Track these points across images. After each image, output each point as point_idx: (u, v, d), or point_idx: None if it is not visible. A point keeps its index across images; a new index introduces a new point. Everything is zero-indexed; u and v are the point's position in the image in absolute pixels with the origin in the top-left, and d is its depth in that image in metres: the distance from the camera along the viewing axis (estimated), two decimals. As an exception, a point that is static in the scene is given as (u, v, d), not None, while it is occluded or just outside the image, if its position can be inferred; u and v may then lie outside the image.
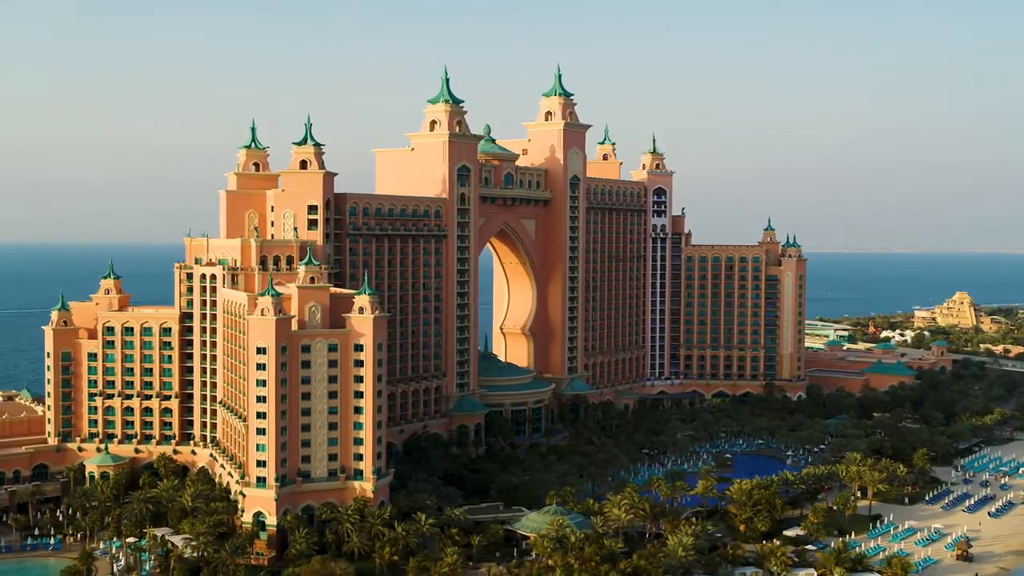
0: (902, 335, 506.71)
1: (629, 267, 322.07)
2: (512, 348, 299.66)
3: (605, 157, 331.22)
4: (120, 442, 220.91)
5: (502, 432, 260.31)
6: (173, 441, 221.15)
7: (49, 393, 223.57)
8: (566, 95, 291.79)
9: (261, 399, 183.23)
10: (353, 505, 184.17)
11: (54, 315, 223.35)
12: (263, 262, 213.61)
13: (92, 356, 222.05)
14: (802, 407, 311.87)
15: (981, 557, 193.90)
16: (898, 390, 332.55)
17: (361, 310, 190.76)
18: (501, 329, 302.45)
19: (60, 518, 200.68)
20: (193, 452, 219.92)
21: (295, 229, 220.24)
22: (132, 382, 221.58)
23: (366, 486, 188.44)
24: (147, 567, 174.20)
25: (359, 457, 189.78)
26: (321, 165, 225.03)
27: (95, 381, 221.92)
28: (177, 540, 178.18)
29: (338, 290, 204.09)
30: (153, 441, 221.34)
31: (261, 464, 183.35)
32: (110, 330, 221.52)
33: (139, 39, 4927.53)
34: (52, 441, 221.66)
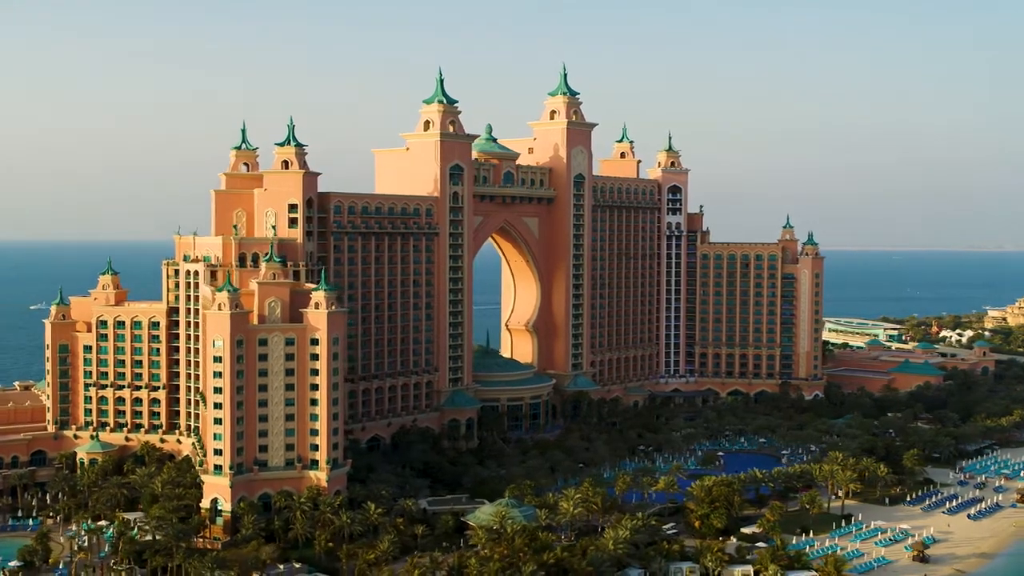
0: (960, 335, 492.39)
1: (641, 265, 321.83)
2: (518, 345, 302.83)
3: (622, 155, 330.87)
4: (112, 431, 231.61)
5: (496, 427, 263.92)
6: (160, 430, 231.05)
7: (48, 383, 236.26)
8: (571, 94, 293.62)
9: (217, 390, 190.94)
10: (307, 494, 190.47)
11: (53, 309, 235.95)
12: (242, 259, 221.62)
13: (87, 348, 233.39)
14: (815, 406, 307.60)
15: (941, 559, 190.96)
16: (923, 390, 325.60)
17: (317, 305, 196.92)
18: (507, 325, 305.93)
19: (48, 501, 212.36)
20: (178, 441, 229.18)
21: (273, 227, 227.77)
22: (124, 373, 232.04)
23: (321, 475, 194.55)
24: (107, 548, 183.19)
25: (316, 447, 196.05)
26: (302, 165, 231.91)
27: (90, 372, 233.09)
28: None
29: (307, 286, 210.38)
30: (142, 430, 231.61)
31: (217, 452, 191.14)
32: (103, 324, 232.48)
33: (149, 37, 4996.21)
34: (50, 429, 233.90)
